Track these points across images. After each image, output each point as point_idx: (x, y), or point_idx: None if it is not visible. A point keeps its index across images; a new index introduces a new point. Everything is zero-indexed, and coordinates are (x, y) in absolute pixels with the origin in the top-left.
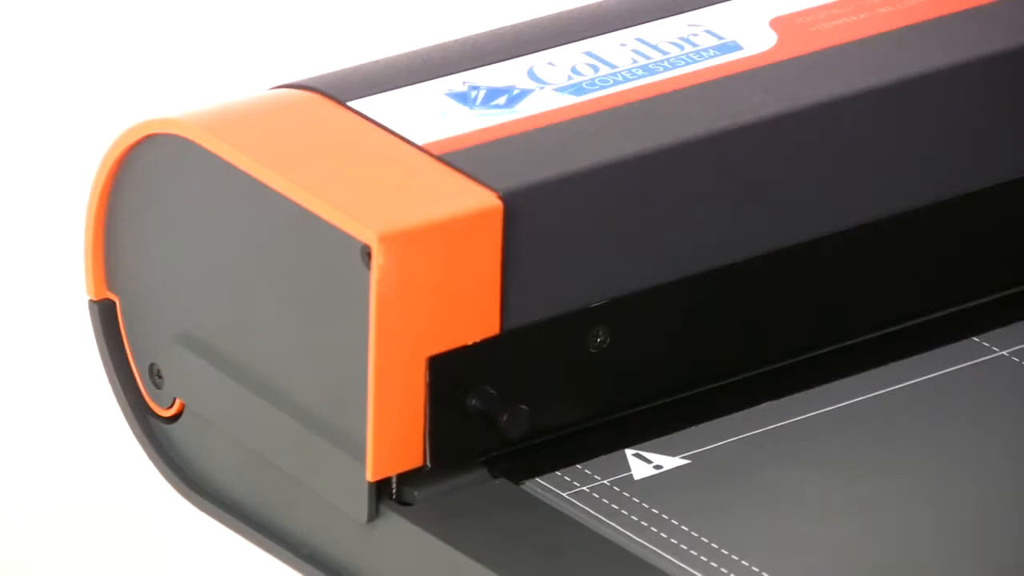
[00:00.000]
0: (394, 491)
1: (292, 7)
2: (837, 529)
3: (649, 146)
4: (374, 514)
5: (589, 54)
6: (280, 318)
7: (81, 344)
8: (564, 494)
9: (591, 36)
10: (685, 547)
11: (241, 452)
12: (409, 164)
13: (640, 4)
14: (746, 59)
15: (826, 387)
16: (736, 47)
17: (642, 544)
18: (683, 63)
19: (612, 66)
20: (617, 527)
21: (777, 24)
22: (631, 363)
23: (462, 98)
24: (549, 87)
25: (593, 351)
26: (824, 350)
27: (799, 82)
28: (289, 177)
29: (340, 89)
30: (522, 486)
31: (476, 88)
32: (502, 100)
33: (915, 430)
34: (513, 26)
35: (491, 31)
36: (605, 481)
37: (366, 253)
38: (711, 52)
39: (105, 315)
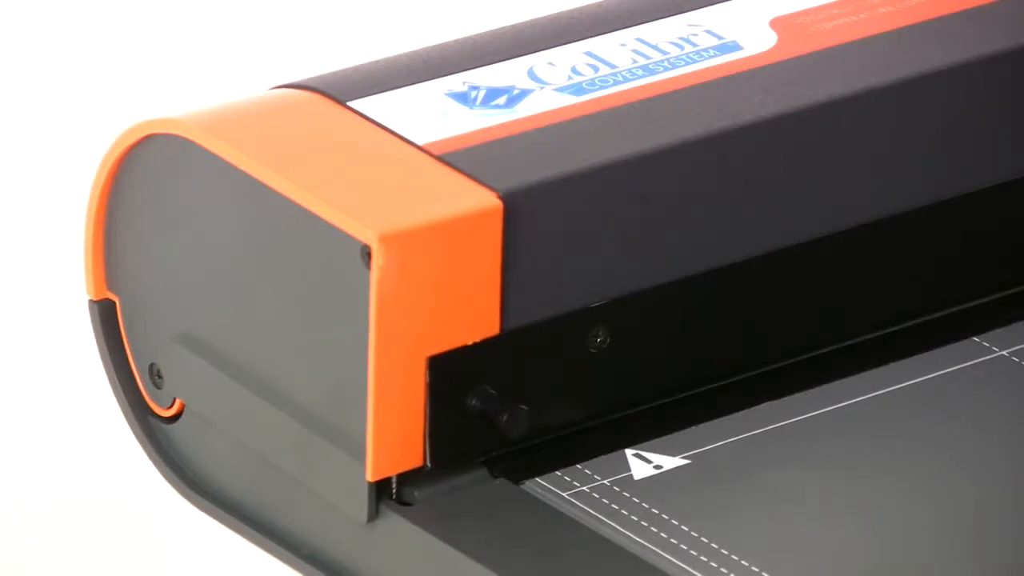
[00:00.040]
0: (394, 491)
1: (292, 7)
2: (837, 529)
3: (649, 146)
4: (374, 514)
5: (589, 54)
6: (280, 318)
7: (81, 344)
8: (564, 494)
9: (591, 36)
10: (685, 547)
11: (241, 452)
12: (409, 164)
13: (640, 4)
14: (746, 59)
15: (826, 387)
16: (736, 47)
17: (642, 544)
18: (683, 63)
19: (612, 66)
20: (617, 527)
21: (777, 24)
22: (631, 363)
23: (462, 98)
24: (549, 87)
25: (593, 351)
26: (824, 350)
27: (799, 82)
28: (289, 177)
29: (340, 89)
30: (522, 486)
31: (476, 88)
32: (502, 100)
33: (915, 430)
34: (513, 26)
35: (491, 31)
36: (605, 481)
37: (366, 253)
38: (711, 52)
39: (105, 315)
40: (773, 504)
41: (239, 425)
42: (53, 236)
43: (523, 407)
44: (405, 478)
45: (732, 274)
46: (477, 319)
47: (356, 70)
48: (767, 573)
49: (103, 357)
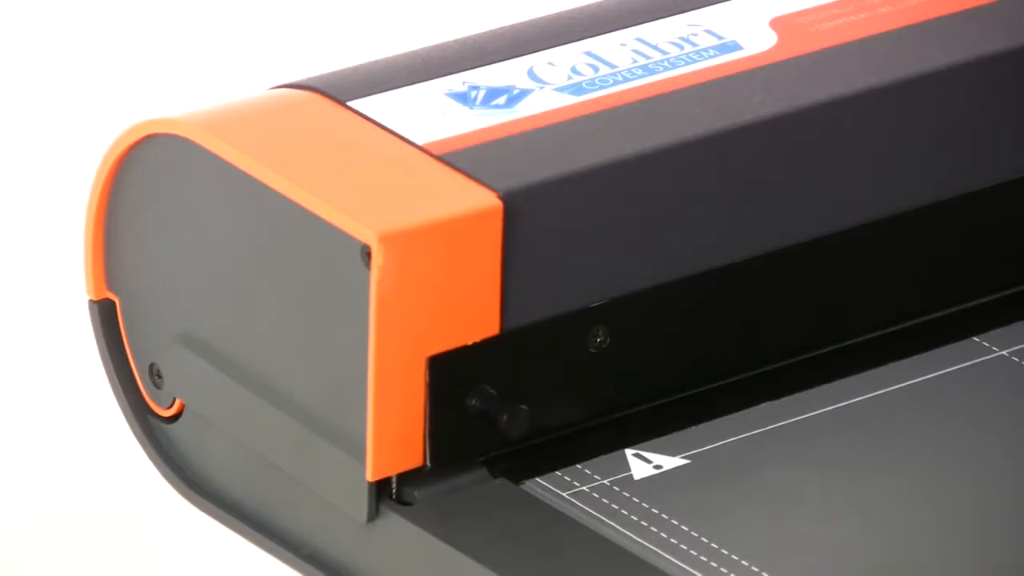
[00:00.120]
0: (394, 491)
1: (292, 7)
2: (837, 529)
3: (649, 146)
4: (374, 514)
5: (589, 54)
6: (280, 318)
7: (81, 344)
8: (564, 494)
9: (591, 36)
10: (685, 547)
11: (241, 452)
12: (409, 164)
13: (640, 4)
14: (746, 59)
15: (826, 387)
16: (736, 47)
17: (642, 544)
18: (683, 63)
19: (612, 66)
20: (617, 527)
21: (777, 24)
22: (631, 363)
23: (462, 98)
24: (549, 87)
25: (593, 351)
26: (824, 350)
27: (799, 82)
28: (289, 177)
29: (340, 89)
30: (522, 486)
31: (476, 88)
32: (502, 100)
33: (915, 430)
34: (513, 26)
35: (491, 31)
36: (605, 481)
37: (366, 253)
38: (711, 52)
39: (105, 315)
40: (773, 504)
41: (239, 425)
42: (53, 236)
43: (523, 407)
44: (405, 478)
45: (732, 274)
46: (477, 319)
47: (356, 70)
48: (767, 573)
49: (103, 357)
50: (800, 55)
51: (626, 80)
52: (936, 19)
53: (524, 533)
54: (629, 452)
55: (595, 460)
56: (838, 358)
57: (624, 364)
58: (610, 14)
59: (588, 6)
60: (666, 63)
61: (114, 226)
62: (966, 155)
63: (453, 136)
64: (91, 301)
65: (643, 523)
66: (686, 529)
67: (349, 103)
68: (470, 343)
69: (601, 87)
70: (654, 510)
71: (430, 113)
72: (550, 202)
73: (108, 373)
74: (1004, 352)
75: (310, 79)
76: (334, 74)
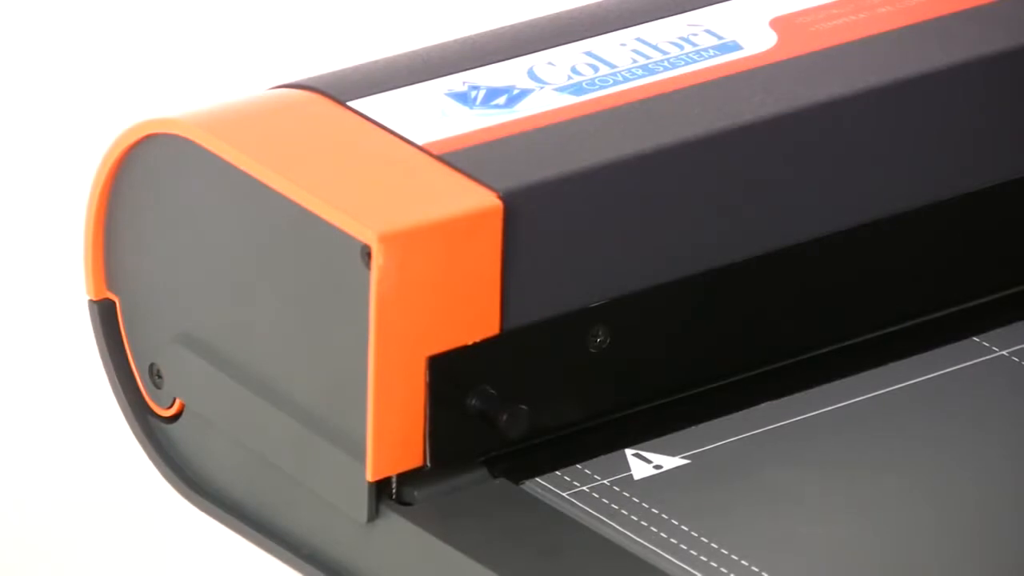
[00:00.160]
0: (394, 491)
1: (292, 7)
2: (837, 529)
3: (649, 146)
4: (374, 514)
5: (589, 54)
6: (280, 318)
7: (81, 344)
8: (564, 494)
9: (591, 36)
10: (685, 547)
11: (241, 452)
12: (409, 164)
13: (640, 4)
14: (746, 59)
15: (826, 387)
16: (736, 47)
17: (642, 544)
18: (683, 63)
19: (612, 66)
20: (617, 527)
21: (777, 24)
22: (631, 363)
23: (462, 98)
24: (549, 87)
25: (593, 351)
26: (824, 350)
27: (799, 82)
28: (289, 177)
29: (340, 89)
30: (522, 486)
31: (476, 88)
32: (502, 100)
33: (915, 430)
34: (513, 26)
35: (491, 31)
36: (605, 481)
37: (366, 253)
38: (711, 52)
39: (105, 315)
40: (773, 504)
41: (239, 425)
42: (53, 236)
43: (523, 407)
44: (405, 478)
45: (732, 274)
46: (477, 319)
47: (356, 70)
48: (767, 573)
49: (103, 357)
50: (800, 55)
51: (626, 80)
52: (936, 19)
53: (524, 533)
54: (629, 452)
55: (595, 460)
56: (838, 358)
57: (624, 364)
58: (610, 14)
59: (588, 6)
60: (666, 63)
61: (114, 226)
62: (966, 155)
63: (453, 136)
64: (91, 301)
65: (643, 523)
66: (686, 529)
67: (349, 103)
68: (470, 343)
69: (601, 87)
70: (654, 510)
71: (430, 113)
72: (550, 202)
73: (108, 373)
74: (1004, 352)
75: (310, 79)
76: (334, 74)
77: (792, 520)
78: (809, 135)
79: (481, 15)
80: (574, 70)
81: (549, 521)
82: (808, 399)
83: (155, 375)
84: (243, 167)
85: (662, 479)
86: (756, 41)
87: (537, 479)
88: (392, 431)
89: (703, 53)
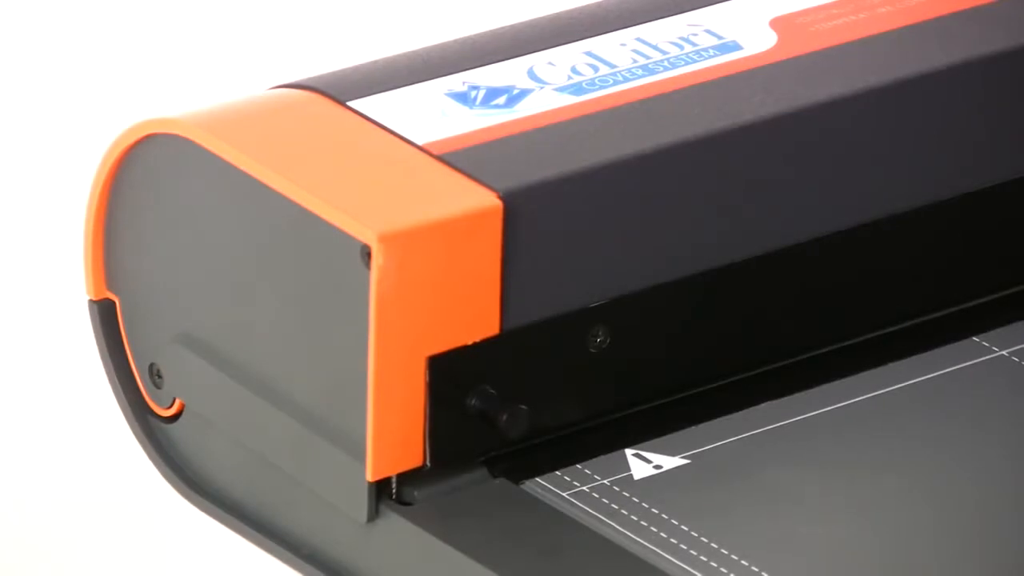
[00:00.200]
0: (394, 491)
1: (292, 7)
2: (837, 529)
3: (649, 146)
4: (374, 514)
5: (589, 54)
6: (280, 318)
7: (81, 344)
8: (564, 494)
9: (591, 36)
10: (685, 547)
11: (241, 452)
12: (409, 164)
13: (640, 4)
14: (746, 59)
15: (826, 387)
16: (736, 47)
17: (642, 544)
18: (683, 63)
19: (612, 66)
20: (617, 527)
21: (777, 24)
22: (631, 363)
23: (462, 98)
24: (549, 87)
25: (593, 351)
26: (824, 350)
27: (799, 82)
28: (289, 177)
29: (340, 89)
30: (522, 486)
31: (476, 88)
32: (502, 100)
33: (915, 430)
34: (513, 26)
35: (491, 31)
36: (605, 481)
37: (366, 253)
38: (711, 52)
39: (105, 315)
40: (773, 504)
41: (239, 425)
42: (53, 236)
43: (523, 407)
44: (405, 478)
45: (732, 274)
46: (477, 319)
47: (356, 70)
48: (767, 573)
49: (103, 357)
50: (800, 55)
51: (626, 80)
52: (936, 19)
53: (524, 533)
54: (629, 452)
55: (595, 460)
56: (838, 358)
57: (624, 364)
58: (610, 14)
59: (588, 6)
60: (666, 63)
61: (114, 226)
62: (966, 155)
63: (453, 136)
64: (91, 301)
65: (643, 523)
66: (686, 529)
67: (349, 103)
68: (470, 343)
69: (601, 87)
70: (654, 510)
71: (430, 113)
72: (550, 202)
73: (108, 373)
74: (1004, 352)
75: (310, 79)
76: (334, 74)
77: (792, 520)
78: (809, 135)
79: (481, 15)
80: (574, 70)
81: (549, 521)
82: (808, 399)
83: (155, 375)
84: (243, 167)
85: (662, 479)
86: (756, 41)
87: (537, 479)
88: (392, 431)
89: (703, 53)
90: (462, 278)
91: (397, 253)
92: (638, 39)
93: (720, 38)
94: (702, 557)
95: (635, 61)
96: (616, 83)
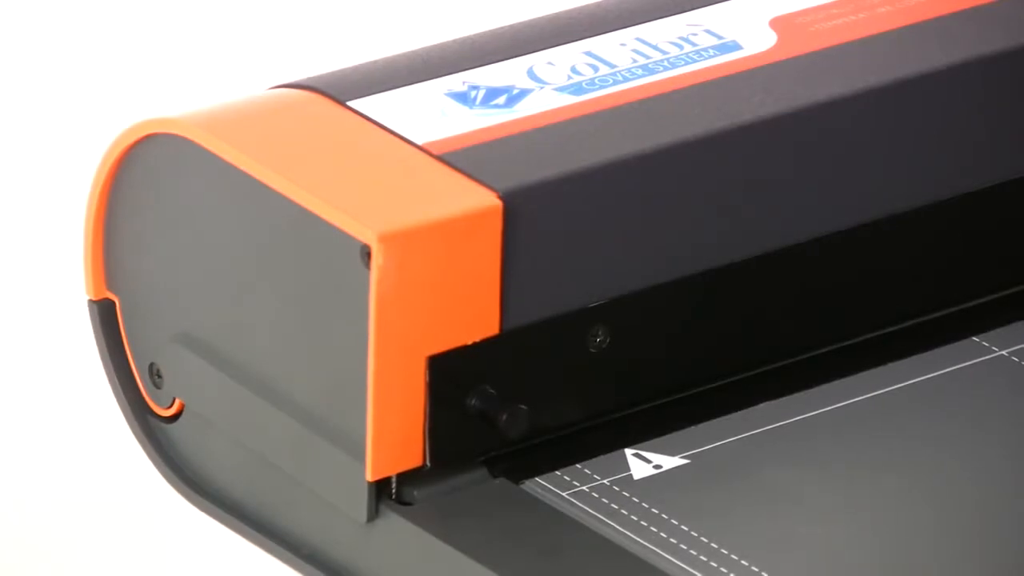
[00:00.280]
0: (394, 491)
1: (292, 7)
2: (836, 529)
3: (649, 146)
4: (374, 514)
5: (589, 54)
6: (280, 318)
7: (81, 344)
8: (564, 494)
9: (591, 36)
10: (685, 547)
11: (241, 452)
12: (409, 164)
13: (640, 4)
14: (746, 59)
15: (825, 387)
16: (736, 47)
17: (642, 544)
18: (683, 63)
19: (612, 66)
20: (617, 527)
21: (777, 24)
22: (631, 363)
23: (462, 98)
24: (549, 87)
25: (593, 351)
26: (824, 350)
27: (799, 82)
28: (289, 177)
29: (340, 89)
30: (522, 486)
31: (476, 88)
32: (502, 100)
33: (914, 430)
34: (513, 26)
35: (491, 31)
36: (605, 481)
37: (366, 253)
38: (711, 52)
39: (105, 315)
40: (772, 504)
41: (239, 425)
42: (53, 236)
43: (523, 407)
44: (405, 478)
45: (732, 274)
46: (477, 319)
47: (356, 70)
48: (767, 573)
49: (103, 357)
50: (800, 55)
51: (626, 80)
52: (936, 19)
53: (524, 533)
54: (629, 452)
55: (595, 460)
56: (838, 358)
57: (624, 364)
58: (610, 14)
59: (588, 6)
60: (666, 63)
61: (114, 226)
62: (966, 155)
63: (453, 136)
64: (91, 301)
65: (643, 523)
66: (686, 529)
67: (349, 103)
68: (470, 343)
69: (601, 87)
70: (654, 510)
71: (430, 113)
72: (550, 202)
73: (108, 373)
74: (1004, 352)
75: (310, 79)
76: (334, 74)
77: (792, 520)
78: (809, 135)
79: (481, 15)
80: (574, 70)
81: (549, 521)
82: (808, 399)
83: (155, 375)
84: (243, 167)
85: (662, 479)
86: (756, 41)
87: (537, 479)
88: (392, 431)
89: (703, 53)
90: (462, 278)
91: (397, 253)
92: (638, 39)
93: (720, 38)
94: (702, 557)
95: (635, 61)
96: (616, 83)
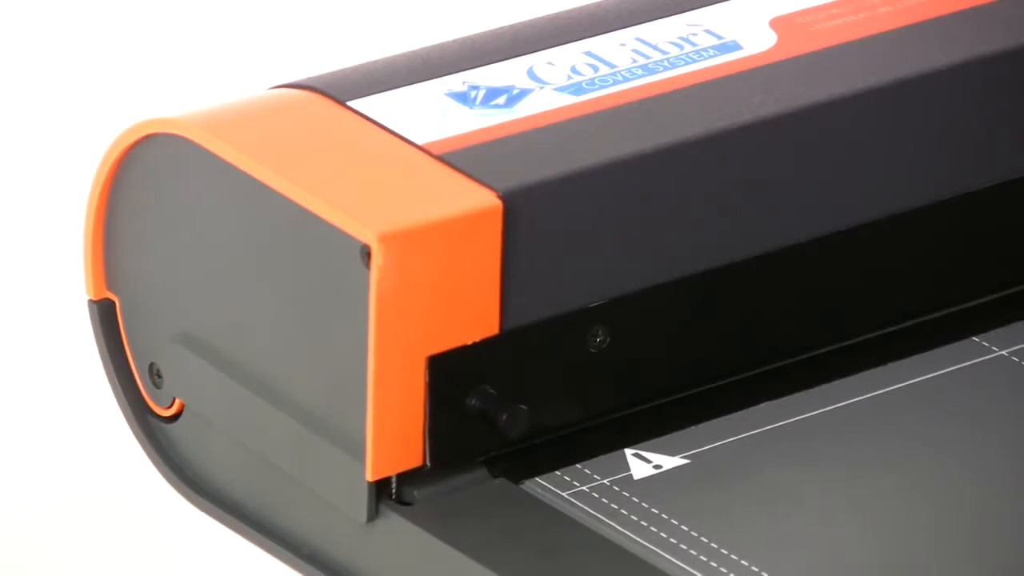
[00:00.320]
0: (394, 491)
1: (292, 7)
2: (836, 529)
3: (649, 146)
4: (374, 514)
5: (589, 54)
6: (280, 318)
7: (81, 344)
8: (564, 494)
9: (591, 36)
10: (685, 547)
11: (241, 452)
12: (409, 164)
13: (640, 4)
14: (746, 59)
15: (825, 387)
16: (736, 47)
17: (642, 544)
18: (683, 63)
19: (612, 66)
20: (617, 527)
21: (777, 24)
22: (631, 363)
23: (462, 98)
24: (549, 87)
25: (593, 351)
26: (824, 350)
27: (799, 82)
28: (289, 177)
29: (340, 89)
30: (522, 486)
31: (476, 88)
32: (502, 100)
33: (914, 430)
34: (512, 26)
35: (491, 31)
36: (605, 481)
37: (366, 253)
38: (711, 52)
39: (105, 315)
40: (772, 504)
41: (239, 425)
42: (53, 236)
43: (523, 407)
44: (405, 478)
45: (732, 274)
46: (477, 319)
47: (356, 70)
48: (767, 573)
49: (103, 357)
50: (800, 55)
51: (626, 80)
52: (936, 19)
53: (524, 533)
54: (629, 452)
55: (595, 460)
56: (838, 358)
57: (624, 364)
58: (610, 14)
59: (588, 6)
60: (666, 63)
61: (114, 226)
62: (966, 155)
63: (453, 136)
64: (91, 301)
65: (643, 523)
66: (686, 529)
67: (349, 103)
68: (470, 343)
69: (601, 87)
70: (654, 510)
71: (430, 113)
72: (550, 202)
73: (108, 373)
74: (1004, 352)
75: (310, 79)
76: (334, 74)
77: (792, 520)
78: (809, 135)
79: (481, 15)
80: (574, 70)
81: (549, 521)
82: (808, 399)
83: (155, 375)
84: (243, 167)
85: (662, 479)
86: (756, 41)
87: (537, 479)
88: (392, 431)
89: (703, 53)
90: (462, 278)
91: (397, 253)
92: (638, 39)
93: (720, 38)
94: (702, 557)
95: (635, 61)
96: (616, 83)
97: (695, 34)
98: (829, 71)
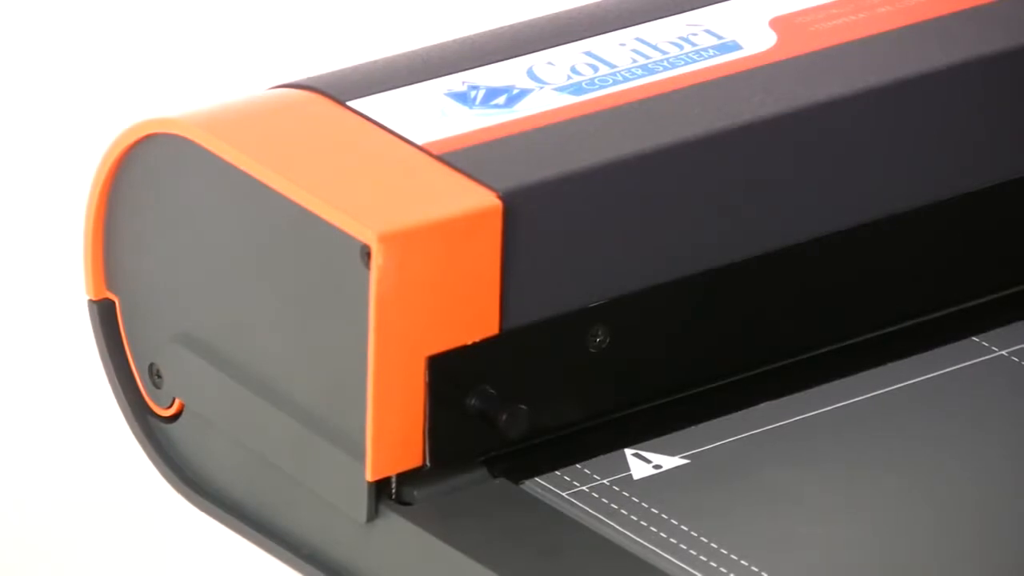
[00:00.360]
0: (394, 491)
1: (292, 7)
2: (836, 529)
3: (649, 146)
4: (374, 514)
5: (589, 54)
6: (280, 318)
7: (81, 344)
8: (564, 494)
9: (591, 36)
10: (685, 547)
11: (241, 452)
12: (409, 164)
13: (640, 4)
14: (746, 59)
15: (825, 387)
16: (736, 47)
17: (642, 544)
18: (683, 63)
19: (612, 66)
20: (617, 527)
21: (777, 24)
22: (631, 363)
23: (462, 98)
24: (549, 87)
25: (593, 351)
26: (824, 350)
27: (799, 82)
28: (289, 177)
29: (340, 89)
30: (522, 486)
31: (475, 88)
32: (501, 100)
33: (914, 430)
34: (512, 26)
35: (491, 31)
36: (605, 481)
37: (366, 253)
38: (711, 52)
39: (105, 315)
40: (772, 504)
41: (239, 425)
42: (53, 236)
43: (523, 407)
44: (405, 478)
45: (732, 274)
46: (476, 319)
47: (356, 70)
48: (766, 573)
49: (103, 357)
50: (800, 55)
51: (626, 80)
52: (936, 19)
53: (524, 533)
54: (629, 452)
55: (595, 460)
56: (838, 358)
57: (624, 364)
58: (610, 14)
59: (588, 6)
60: (666, 63)
61: (114, 226)
62: (966, 155)
63: (453, 136)
64: (91, 301)
65: (643, 523)
66: (686, 529)
67: (349, 103)
68: (470, 343)
69: (601, 87)
70: (654, 510)
71: (430, 113)
72: (550, 202)
73: (108, 373)
74: (1004, 352)
75: (310, 79)
76: (334, 74)
77: (791, 520)
78: (809, 135)
79: (481, 15)
80: (574, 70)
81: (549, 521)
82: (808, 399)
83: (155, 375)
84: (243, 167)
85: (662, 479)
86: (756, 41)
87: (537, 479)
88: (392, 431)
89: (703, 53)
90: (462, 278)
91: (397, 253)
92: (638, 39)
93: (720, 38)
94: (702, 557)
95: (635, 61)
96: (616, 83)
97: (695, 34)
98: (829, 71)
